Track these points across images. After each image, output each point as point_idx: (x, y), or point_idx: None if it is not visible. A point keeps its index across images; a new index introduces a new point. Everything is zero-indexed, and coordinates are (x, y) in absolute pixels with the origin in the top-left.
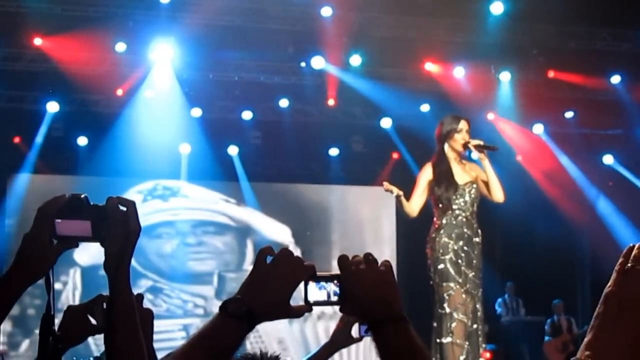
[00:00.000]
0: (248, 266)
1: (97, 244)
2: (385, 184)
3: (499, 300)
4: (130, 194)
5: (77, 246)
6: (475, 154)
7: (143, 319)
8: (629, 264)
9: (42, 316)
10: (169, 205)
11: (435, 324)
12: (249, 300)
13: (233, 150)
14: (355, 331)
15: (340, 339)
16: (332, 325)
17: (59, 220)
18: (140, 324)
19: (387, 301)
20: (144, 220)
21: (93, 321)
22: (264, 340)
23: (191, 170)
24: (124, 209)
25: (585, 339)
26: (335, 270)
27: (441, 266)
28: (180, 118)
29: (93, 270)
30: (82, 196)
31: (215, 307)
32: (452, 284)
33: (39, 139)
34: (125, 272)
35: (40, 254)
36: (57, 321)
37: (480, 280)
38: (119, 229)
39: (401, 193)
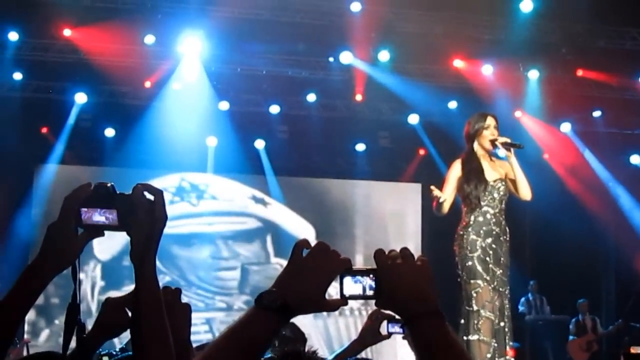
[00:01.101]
0: (272, 259)
1: (124, 233)
2: (433, 188)
3: (522, 299)
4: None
5: (103, 235)
6: (502, 152)
7: (182, 312)
8: None
9: (68, 305)
10: (198, 210)
11: (462, 321)
12: (284, 292)
13: (260, 144)
14: (383, 328)
15: (369, 336)
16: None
17: (85, 209)
18: (178, 317)
19: (423, 296)
20: (172, 227)
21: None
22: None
23: (218, 163)
24: (151, 197)
25: None
26: (360, 265)
27: (469, 263)
28: (207, 111)
29: (113, 263)
30: (109, 185)
31: (238, 301)
32: (479, 282)
33: (67, 129)
34: (151, 262)
35: (66, 244)
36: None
37: (508, 278)
38: (145, 217)
39: (447, 198)
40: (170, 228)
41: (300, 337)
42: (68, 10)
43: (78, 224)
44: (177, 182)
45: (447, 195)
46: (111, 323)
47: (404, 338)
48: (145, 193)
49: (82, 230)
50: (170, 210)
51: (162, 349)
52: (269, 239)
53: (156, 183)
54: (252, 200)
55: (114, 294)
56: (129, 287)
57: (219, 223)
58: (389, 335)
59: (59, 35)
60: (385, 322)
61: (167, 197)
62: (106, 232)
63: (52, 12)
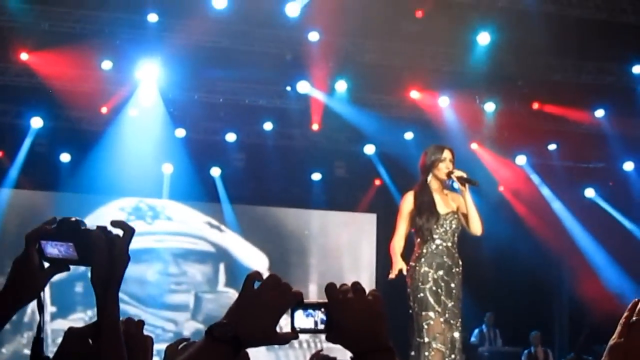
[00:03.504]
0: (222, 288)
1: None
2: (392, 277)
3: (476, 330)
4: (112, 211)
5: (68, 269)
6: (458, 185)
7: (144, 345)
8: (634, 318)
9: (33, 339)
10: (152, 229)
11: (413, 353)
12: (235, 325)
13: (216, 172)
14: None
15: None
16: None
17: (45, 242)
18: (140, 349)
19: (373, 331)
20: None
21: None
22: None
23: (173, 190)
24: (120, 232)
25: None
26: (313, 296)
27: (421, 295)
28: (164, 138)
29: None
30: (73, 219)
31: (186, 330)
32: (431, 313)
33: (22, 154)
34: (112, 296)
35: (31, 277)
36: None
37: (460, 310)
38: (102, 255)
39: (405, 267)
40: None
41: (243, 356)
42: (25, 34)
43: (42, 257)
44: (135, 203)
45: (400, 228)
46: (72, 354)
47: None
48: (113, 229)
49: (48, 265)
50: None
51: None
52: (221, 266)
53: (114, 204)
54: (208, 225)
55: (64, 321)
56: (79, 315)
57: (171, 241)
58: None
59: (16, 59)
60: None
61: (123, 216)
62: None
63: (9, 35)
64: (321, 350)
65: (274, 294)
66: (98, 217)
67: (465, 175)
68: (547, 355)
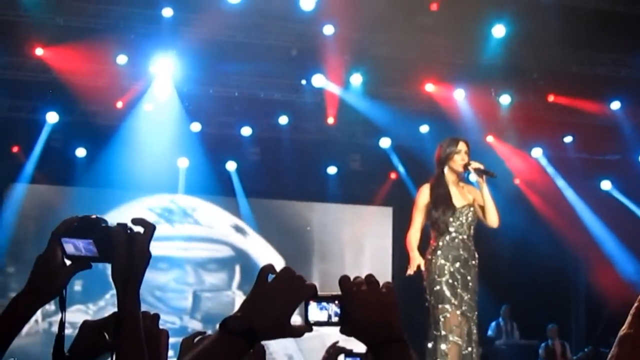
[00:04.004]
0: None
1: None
2: (410, 273)
3: (493, 323)
4: (140, 211)
5: (90, 267)
6: (473, 177)
7: (158, 339)
8: None
9: (56, 337)
10: (177, 232)
11: (429, 346)
12: (249, 318)
13: (231, 166)
14: None
15: None
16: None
17: (66, 239)
18: (155, 343)
19: (387, 323)
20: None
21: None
22: (275, 358)
23: (189, 184)
24: (141, 230)
25: None
26: (328, 290)
27: (437, 288)
28: (179, 132)
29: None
30: (93, 217)
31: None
32: (447, 306)
33: (38, 149)
34: (133, 292)
35: (52, 275)
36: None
37: (476, 303)
38: (122, 251)
39: (422, 262)
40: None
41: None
42: (40, 29)
43: (64, 255)
44: (166, 203)
45: (415, 221)
46: (88, 347)
47: None
48: (135, 227)
49: (70, 262)
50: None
51: None
52: (237, 268)
53: (145, 202)
54: (233, 229)
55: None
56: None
57: (195, 249)
58: None
59: (31, 54)
60: (342, 356)
61: (152, 217)
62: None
63: (25, 30)
64: (337, 342)
65: (287, 286)
66: (119, 215)
67: (482, 167)
68: (564, 348)
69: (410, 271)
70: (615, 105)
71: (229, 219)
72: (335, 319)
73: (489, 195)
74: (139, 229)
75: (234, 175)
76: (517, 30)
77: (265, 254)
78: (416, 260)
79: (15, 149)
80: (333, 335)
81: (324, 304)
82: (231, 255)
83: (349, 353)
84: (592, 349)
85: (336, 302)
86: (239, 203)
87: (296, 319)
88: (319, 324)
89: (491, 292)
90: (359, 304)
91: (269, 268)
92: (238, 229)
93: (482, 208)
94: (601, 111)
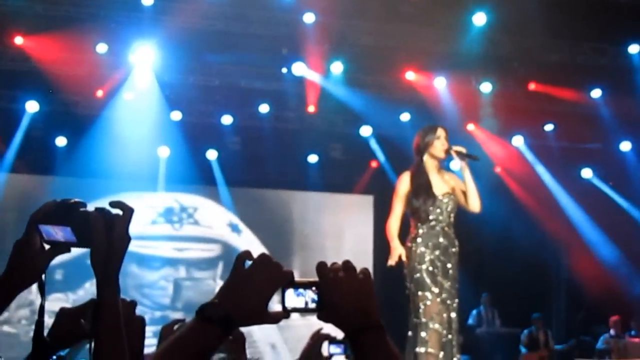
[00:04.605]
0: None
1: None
2: (392, 264)
3: (474, 311)
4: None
5: (69, 251)
6: (456, 161)
7: (135, 326)
8: None
9: (35, 322)
10: (177, 233)
11: (410, 333)
12: (226, 304)
13: (212, 155)
14: (324, 349)
15: (311, 357)
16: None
17: (43, 226)
18: (132, 330)
19: (364, 309)
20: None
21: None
22: (257, 345)
23: (169, 173)
24: (120, 212)
25: None
26: (313, 277)
27: (417, 275)
28: (159, 121)
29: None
30: (71, 201)
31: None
32: (427, 294)
33: (18, 138)
34: (112, 278)
35: (31, 260)
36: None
37: (457, 290)
38: (101, 236)
39: (404, 252)
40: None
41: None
42: (20, 17)
43: (43, 240)
44: (168, 207)
45: (396, 209)
46: (65, 334)
47: (346, 357)
48: (114, 210)
49: (49, 247)
50: (151, 229)
51: None
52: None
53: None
54: (231, 234)
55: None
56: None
57: (189, 266)
58: (330, 356)
59: (11, 43)
60: (326, 343)
61: (151, 216)
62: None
63: (4, 19)
64: (321, 329)
65: (264, 273)
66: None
67: (464, 151)
68: (547, 338)
69: (392, 262)
70: (596, 93)
71: (211, 208)
72: (312, 306)
73: (471, 179)
74: (117, 211)
75: (214, 164)
76: (497, 18)
77: (247, 243)
78: (397, 250)
79: None
80: (316, 324)
81: (301, 290)
82: (214, 244)
83: (333, 340)
84: (575, 342)
85: (313, 288)
86: (220, 192)
87: (274, 306)
88: (297, 310)
89: (472, 280)
90: (336, 291)
91: (246, 254)
92: (219, 218)
93: (464, 193)
94: (582, 99)
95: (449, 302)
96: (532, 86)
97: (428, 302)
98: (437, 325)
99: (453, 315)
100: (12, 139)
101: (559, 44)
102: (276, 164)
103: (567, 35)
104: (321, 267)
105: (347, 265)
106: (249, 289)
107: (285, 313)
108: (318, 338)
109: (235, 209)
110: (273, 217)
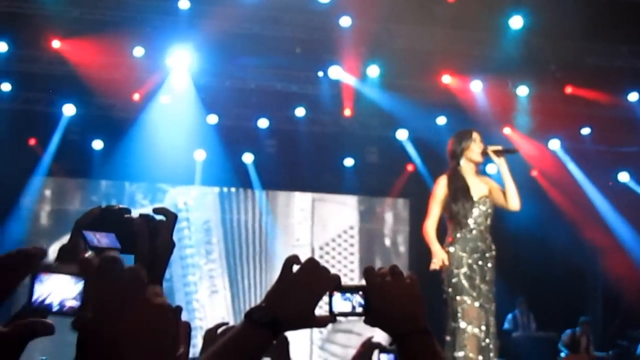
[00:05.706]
0: None
1: None
2: (435, 267)
3: (509, 316)
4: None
5: None
6: (495, 160)
7: (182, 331)
8: None
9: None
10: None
11: (448, 338)
12: (274, 308)
13: (248, 158)
14: (375, 358)
15: None
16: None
17: (87, 232)
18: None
19: (411, 314)
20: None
21: None
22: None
23: (205, 176)
24: (163, 218)
25: None
26: (351, 282)
27: (455, 280)
28: (196, 124)
29: None
30: (116, 207)
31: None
32: (466, 298)
33: (55, 141)
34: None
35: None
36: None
37: (494, 294)
38: (144, 243)
39: (446, 257)
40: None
41: (283, 340)
42: (57, 21)
43: (87, 246)
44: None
45: (433, 213)
46: None
47: None
48: (158, 216)
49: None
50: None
51: None
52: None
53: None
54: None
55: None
56: None
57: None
58: None
59: (48, 47)
60: (377, 352)
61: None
62: None
63: (41, 23)
64: (372, 337)
65: (312, 277)
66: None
67: (500, 148)
68: (589, 344)
69: (435, 266)
70: (633, 96)
71: (248, 210)
72: (359, 310)
73: (509, 176)
74: (161, 218)
75: (250, 168)
76: (534, 21)
77: (285, 246)
78: (439, 254)
79: (32, 142)
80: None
81: (348, 294)
82: (251, 247)
83: (384, 349)
84: (615, 354)
85: (360, 292)
86: (256, 195)
87: (320, 311)
88: (343, 314)
89: (507, 284)
90: (383, 295)
91: (294, 259)
92: (256, 220)
93: (503, 193)
94: (619, 103)
95: (486, 306)
96: (568, 89)
97: (466, 307)
98: (475, 330)
99: (491, 319)
100: (49, 142)
101: (596, 48)
102: (312, 167)
103: (604, 38)
104: (368, 271)
105: (395, 269)
106: (297, 293)
107: (332, 317)
108: (369, 347)
109: (271, 213)
110: (309, 220)
